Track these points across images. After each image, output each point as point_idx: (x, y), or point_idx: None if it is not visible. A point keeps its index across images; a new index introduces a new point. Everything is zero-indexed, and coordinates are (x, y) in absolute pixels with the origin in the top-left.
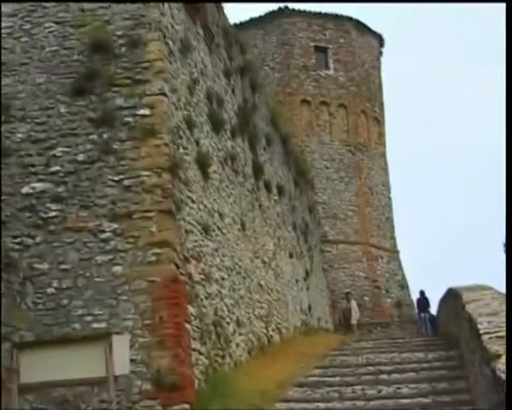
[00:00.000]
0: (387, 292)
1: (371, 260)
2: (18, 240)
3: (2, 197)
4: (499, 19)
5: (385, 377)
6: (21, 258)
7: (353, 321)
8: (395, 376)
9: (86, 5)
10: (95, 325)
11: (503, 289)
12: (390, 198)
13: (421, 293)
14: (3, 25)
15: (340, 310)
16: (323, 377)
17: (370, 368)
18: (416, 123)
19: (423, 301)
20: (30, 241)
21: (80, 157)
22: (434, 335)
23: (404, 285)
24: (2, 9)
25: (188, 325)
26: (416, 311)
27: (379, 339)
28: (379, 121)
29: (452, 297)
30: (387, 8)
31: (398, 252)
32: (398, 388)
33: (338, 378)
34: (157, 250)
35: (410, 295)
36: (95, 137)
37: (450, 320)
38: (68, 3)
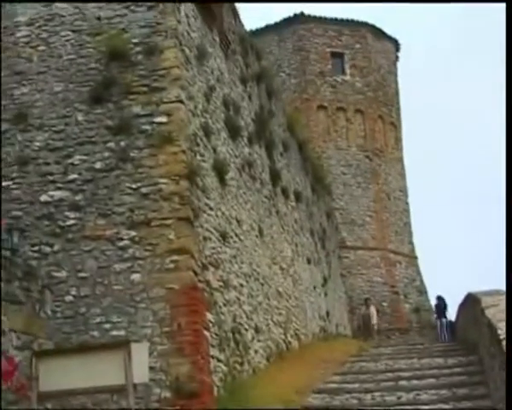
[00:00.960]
0: (406, 298)
1: (389, 265)
2: (36, 248)
3: (22, 206)
4: None
5: (404, 383)
6: (40, 266)
7: (371, 327)
8: (414, 382)
9: (102, 13)
10: (113, 333)
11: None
12: (407, 203)
13: (439, 298)
14: (20, 34)
15: (360, 316)
16: (342, 384)
17: (389, 374)
18: (435, 126)
19: (441, 306)
20: (48, 249)
21: (98, 165)
22: (452, 340)
23: (422, 291)
24: (19, 18)
25: (206, 332)
26: (435, 316)
27: (398, 345)
28: (396, 126)
29: (471, 302)
30: (404, 12)
31: (416, 257)
32: (418, 394)
33: (357, 385)
34: (175, 258)
35: (428, 301)
36: (112, 144)
37: (469, 325)
38: (84, 12)
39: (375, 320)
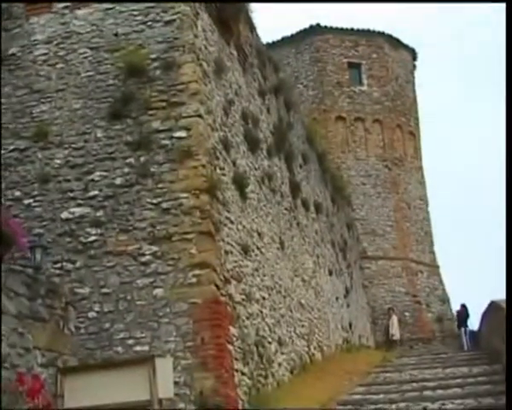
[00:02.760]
0: (428, 307)
1: (411, 275)
2: (59, 265)
3: (43, 223)
4: None
5: (429, 393)
6: (63, 283)
7: (395, 337)
8: (439, 392)
9: (120, 29)
10: (137, 348)
11: None
12: (428, 212)
13: (462, 306)
14: (38, 52)
15: (384, 326)
16: (367, 395)
17: (414, 384)
18: (455, 133)
19: (463, 314)
20: (70, 266)
21: (118, 181)
22: (474, 349)
23: (445, 300)
24: (37, 37)
25: (230, 346)
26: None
27: (421, 355)
28: (414, 135)
29: (495, 310)
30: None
31: (438, 266)
32: (443, 404)
33: (382, 396)
34: (197, 272)
35: (451, 310)
36: (132, 160)
37: (492, 334)
38: (102, 29)
39: (395, 330)
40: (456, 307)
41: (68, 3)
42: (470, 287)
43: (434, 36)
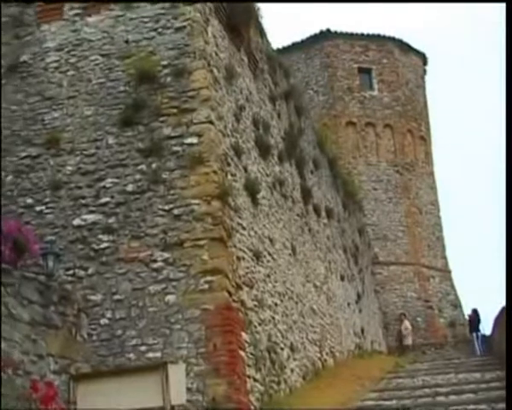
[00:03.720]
0: (440, 312)
1: (423, 280)
2: (71, 272)
3: (55, 230)
4: None
5: (442, 399)
6: (75, 290)
7: (407, 342)
8: (452, 397)
9: (131, 36)
10: (149, 355)
11: None
12: (440, 217)
13: (473, 311)
14: (50, 59)
15: (396, 332)
16: (380, 401)
17: (427, 390)
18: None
19: (475, 319)
20: (82, 272)
21: (130, 188)
22: (487, 354)
23: (457, 305)
24: (49, 44)
25: (242, 352)
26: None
27: (434, 360)
28: (425, 140)
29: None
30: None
31: (449, 271)
32: None
33: (394, 401)
34: (209, 278)
35: (463, 315)
36: (143, 167)
37: (504, 339)
38: (112, 36)
39: (407, 336)
40: (468, 313)
41: (79, 10)
42: (483, 292)
43: (446, 40)
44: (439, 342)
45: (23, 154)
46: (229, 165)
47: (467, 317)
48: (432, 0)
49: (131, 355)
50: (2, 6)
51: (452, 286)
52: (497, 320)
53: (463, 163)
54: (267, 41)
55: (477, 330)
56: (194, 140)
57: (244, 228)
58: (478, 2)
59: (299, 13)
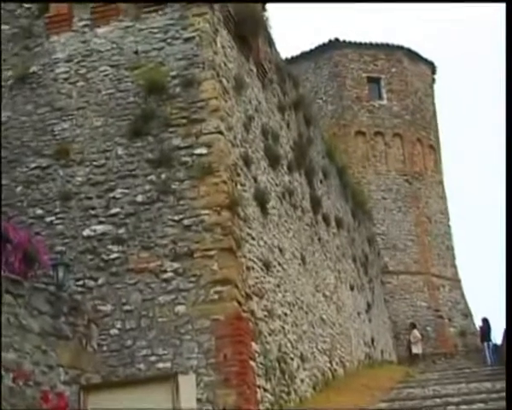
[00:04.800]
0: (450, 321)
1: (433, 289)
2: (81, 282)
3: (65, 241)
4: None
5: (453, 408)
6: (85, 300)
7: (415, 351)
8: (463, 407)
9: (140, 47)
10: (159, 365)
11: None
12: (449, 226)
13: (484, 321)
14: (59, 70)
15: (407, 341)
16: None
17: (437, 400)
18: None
19: (485, 329)
20: (92, 283)
21: (139, 198)
22: (497, 363)
23: (467, 314)
24: (58, 55)
25: (252, 363)
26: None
27: (444, 370)
28: (435, 149)
29: None
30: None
31: (459, 280)
32: None
33: None
34: (219, 288)
35: (474, 324)
36: (153, 177)
37: None
38: (122, 47)
39: (417, 345)
40: (478, 322)
41: (88, 21)
42: (494, 301)
43: (454, 48)
44: (450, 352)
45: (33, 164)
46: (238, 175)
47: (477, 326)
48: (435, 0)
49: (141, 366)
50: (12, 17)
51: (462, 295)
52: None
53: (473, 171)
54: (276, 51)
55: (488, 339)
56: (203, 150)
57: (254, 238)
58: (478, 2)
59: (308, 22)
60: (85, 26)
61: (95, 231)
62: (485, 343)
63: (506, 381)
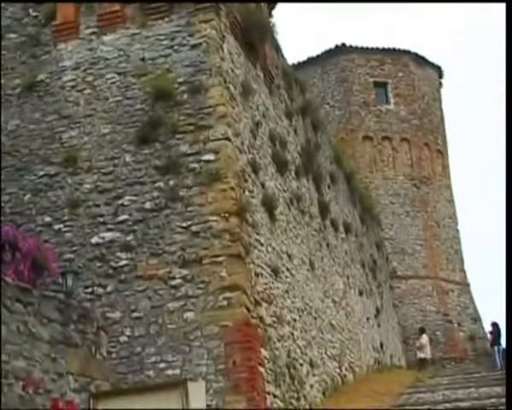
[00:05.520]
0: (460, 326)
1: (442, 294)
2: (90, 290)
3: (73, 248)
4: None
5: None
6: (94, 308)
7: (423, 355)
8: None
9: (147, 54)
10: (168, 372)
11: None
12: (458, 230)
13: (494, 325)
14: (66, 78)
15: (416, 346)
16: None
17: (447, 405)
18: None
19: (495, 333)
20: (101, 290)
21: (148, 205)
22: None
23: (476, 318)
24: (65, 63)
25: (261, 369)
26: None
27: (454, 374)
28: (442, 153)
29: None
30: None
31: (468, 285)
32: None
33: None
34: (228, 294)
35: (483, 328)
36: (161, 184)
37: None
38: (129, 54)
39: (425, 350)
40: (487, 326)
41: (95, 29)
42: (503, 305)
43: (462, 52)
44: (459, 356)
45: (41, 172)
46: (246, 181)
47: (487, 330)
48: (438, 0)
49: (151, 373)
50: (19, 26)
51: (471, 299)
52: None
53: (481, 175)
54: (283, 57)
55: (498, 343)
56: (211, 157)
57: (262, 244)
58: (478, 2)
59: (314, 28)
60: (92, 33)
61: (103, 238)
62: (495, 347)
63: (506, 382)
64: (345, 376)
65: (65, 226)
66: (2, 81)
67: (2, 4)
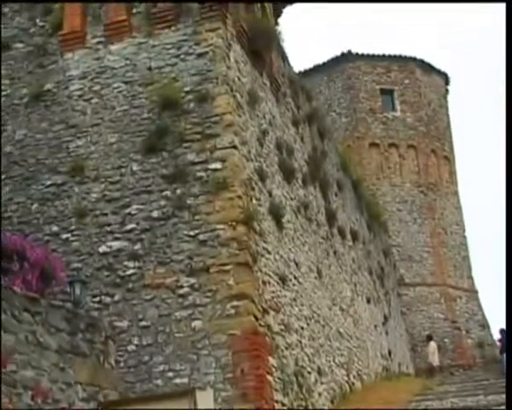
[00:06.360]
0: (468, 333)
1: (449, 301)
2: (97, 299)
3: (81, 258)
4: None
5: None
6: (102, 317)
7: (433, 362)
8: None
9: (153, 63)
10: (177, 381)
11: None
12: (465, 237)
13: (502, 332)
14: (73, 87)
15: (424, 353)
16: None
17: None
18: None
19: (504, 340)
20: (109, 299)
21: (155, 214)
22: None
23: (484, 325)
24: (72, 72)
25: (269, 377)
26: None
27: (462, 382)
28: (449, 160)
29: None
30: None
31: (476, 291)
32: None
33: None
34: (235, 303)
35: (491, 335)
36: (168, 193)
37: None
38: (135, 63)
39: (433, 357)
40: (496, 332)
41: (102, 38)
42: None
43: (468, 59)
44: (468, 364)
45: (48, 182)
46: (253, 189)
47: (495, 337)
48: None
49: (159, 381)
50: (26, 36)
51: (479, 306)
52: None
53: (488, 181)
54: (289, 65)
55: (506, 350)
56: (218, 165)
57: (269, 252)
58: (478, 2)
59: (321, 35)
60: (99, 43)
61: (111, 247)
62: (504, 354)
63: (506, 381)
64: (353, 384)
65: (72, 236)
66: (10, 91)
67: (10, 14)
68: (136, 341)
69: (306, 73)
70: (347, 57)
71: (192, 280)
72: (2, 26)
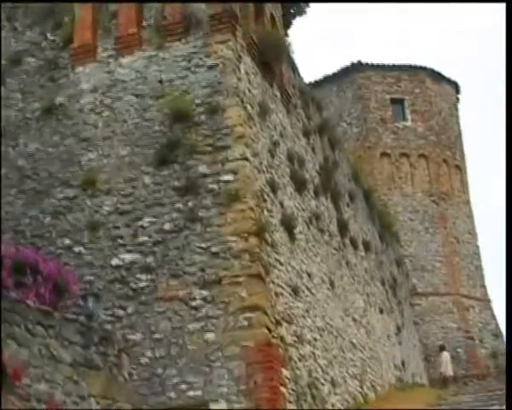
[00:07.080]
0: (481, 343)
1: (462, 310)
2: (110, 312)
3: (94, 271)
4: None
5: None
6: (115, 330)
7: (445, 373)
8: None
9: (164, 76)
10: (190, 393)
11: None
12: (478, 246)
13: None
14: (84, 101)
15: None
16: None
17: None
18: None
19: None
20: (122, 312)
21: (167, 226)
22: None
23: (498, 334)
24: (83, 86)
25: (283, 389)
26: None
27: (476, 392)
28: (461, 169)
29: None
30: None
31: (489, 301)
32: None
33: None
34: (248, 315)
35: (505, 344)
36: (180, 205)
37: None
38: (146, 76)
39: (445, 368)
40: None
41: (112, 52)
42: None
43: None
44: (481, 373)
45: (60, 195)
46: (265, 201)
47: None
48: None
49: (172, 394)
50: (37, 50)
51: (493, 315)
52: None
53: (500, 190)
54: (299, 75)
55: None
56: (229, 177)
57: (282, 264)
58: (478, 2)
59: (330, 46)
60: (109, 56)
61: (123, 260)
62: None
63: (506, 382)
64: (366, 394)
65: (85, 249)
66: (21, 105)
67: (21, 29)
68: (149, 353)
69: (316, 84)
70: (357, 67)
71: (204, 292)
72: (14, 40)
